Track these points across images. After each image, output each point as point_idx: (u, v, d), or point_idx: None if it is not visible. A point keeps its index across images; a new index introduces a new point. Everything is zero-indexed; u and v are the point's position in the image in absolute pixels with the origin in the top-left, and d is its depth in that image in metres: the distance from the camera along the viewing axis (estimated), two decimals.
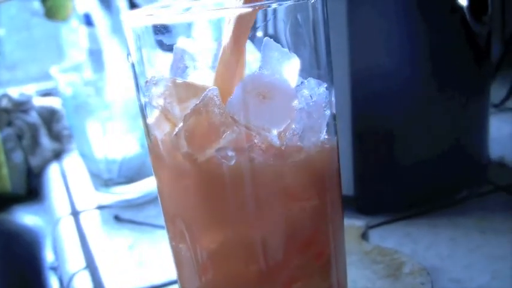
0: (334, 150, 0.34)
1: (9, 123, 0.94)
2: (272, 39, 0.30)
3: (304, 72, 0.31)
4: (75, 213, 0.71)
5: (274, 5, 0.30)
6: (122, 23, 0.32)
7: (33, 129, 0.95)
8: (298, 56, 0.31)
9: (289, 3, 0.30)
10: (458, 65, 0.55)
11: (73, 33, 1.02)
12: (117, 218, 0.66)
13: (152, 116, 0.33)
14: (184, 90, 0.31)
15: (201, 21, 0.32)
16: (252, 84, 0.29)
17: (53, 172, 0.90)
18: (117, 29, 0.82)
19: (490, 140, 0.62)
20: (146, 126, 0.34)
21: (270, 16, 0.30)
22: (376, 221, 0.56)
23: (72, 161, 0.90)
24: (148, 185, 0.70)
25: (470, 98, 0.58)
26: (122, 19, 0.32)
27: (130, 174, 0.70)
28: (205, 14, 0.31)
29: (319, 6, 0.31)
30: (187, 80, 0.32)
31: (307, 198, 0.32)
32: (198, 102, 0.29)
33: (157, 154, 0.33)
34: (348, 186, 0.56)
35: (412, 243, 0.52)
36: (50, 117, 0.98)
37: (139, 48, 0.32)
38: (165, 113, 0.31)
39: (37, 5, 0.96)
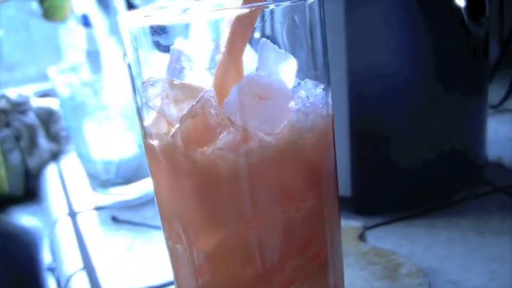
0: (332, 151, 0.34)
1: (7, 124, 0.94)
2: (269, 40, 0.30)
3: (301, 73, 0.31)
4: (72, 214, 0.71)
5: (271, 6, 0.30)
6: (119, 23, 0.32)
7: (31, 130, 0.95)
8: (295, 57, 0.31)
9: (286, 4, 0.30)
10: (456, 66, 0.55)
11: (71, 34, 1.01)
12: (115, 219, 0.66)
13: (149, 117, 0.33)
14: (181, 91, 0.31)
15: (198, 22, 0.32)
16: (248, 85, 0.29)
17: (50, 173, 0.90)
18: (114, 30, 0.82)
19: (488, 141, 0.62)
20: (143, 127, 0.34)
21: (267, 17, 0.30)
22: (373, 222, 0.56)
23: (69, 162, 0.90)
24: (145, 186, 0.70)
25: (468, 99, 0.58)
26: (119, 20, 0.32)
27: (127, 175, 0.70)
28: (202, 15, 0.31)
29: (316, 7, 0.31)
30: (184, 81, 0.32)
31: (304, 199, 0.32)
32: (194, 103, 0.29)
33: (154, 155, 0.33)
34: (345, 187, 0.56)
35: (410, 244, 0.52)
36: (47, 118, 0.98)
37: (135, 49, 0.32)
38: (162, 114, 0.31)
39: (35, 6, 0.96)
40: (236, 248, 0.32)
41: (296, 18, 0.31)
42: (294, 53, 0.31)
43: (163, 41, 0.31)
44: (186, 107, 0.30)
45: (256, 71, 0.30)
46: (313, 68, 0.32)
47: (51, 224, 0.71)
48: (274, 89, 0.29)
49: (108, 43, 0.83)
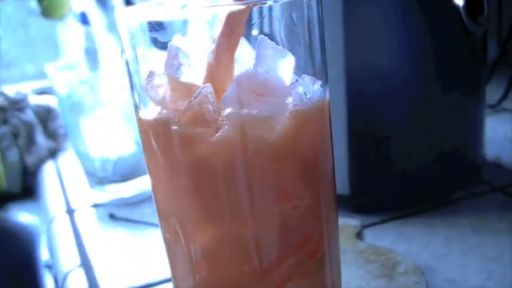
0: (329, 148, 0.34)
1: (5, 122, 0.94)
2: (267, 37, 0.30)
3: (299, 70, 0.31)
4: (70, 212, 0.71)
5: (269, 3, 0.29)
6: (116, 20, 0.32)
7: (29, 127, 0.95)
8: (293, 53, 0.31)
9: (284, 0, 0.30)
10: (454, 65, 0.55)
11: (69, 32, 1.01)
12: (112, 216, 0.66)
13: (147, 113, 0.33)
14: (179, 87, 0.31)
15: (196, 19, 0.32)
16: (246, 81, 0.29)
17: (48, 170, 0.90)
18: (113, 27, 0.82)
19: (486, 140, 0.62)
20: (140, 124, 0.33)
21: (264, 14, 0.30)
22: (371, 220, 0.56)
23: (67, 160, 0.90)
24: (143, 184, 0.70)
25: (466, 98, 0.58)
26: (116, 16, 0.32)
27: (125, 173, 0.70)
28: (199, 11, 0.31)
29: (313, 4, 0.31)
30: (181, 78, 0.32)
31: (300, 196, 0.32)
32: (192, 99, 0.29)
33: (151, 152, 0.33)
34: (343, 186, 0.56)
35: (407, 242, 0.52)
36: (45, 115, 0.98)
37: (133, 46, 0.32)
38: (162, 107, 0.31)
39: (33, 4, 0.96)
40: (233, 245, 0.32)
41: (294, 15, 0.31)
42: (291, 50, 0.31)
43: (161, 37, 0.31)
44: (183, 103, 0.30)
45: (254, 67, 0.30)
46: (311, 65, 0.32)
47: (49, 221, 0.71)
48: (272, 85, 0.29)
49: (106, 41, 0.83)
